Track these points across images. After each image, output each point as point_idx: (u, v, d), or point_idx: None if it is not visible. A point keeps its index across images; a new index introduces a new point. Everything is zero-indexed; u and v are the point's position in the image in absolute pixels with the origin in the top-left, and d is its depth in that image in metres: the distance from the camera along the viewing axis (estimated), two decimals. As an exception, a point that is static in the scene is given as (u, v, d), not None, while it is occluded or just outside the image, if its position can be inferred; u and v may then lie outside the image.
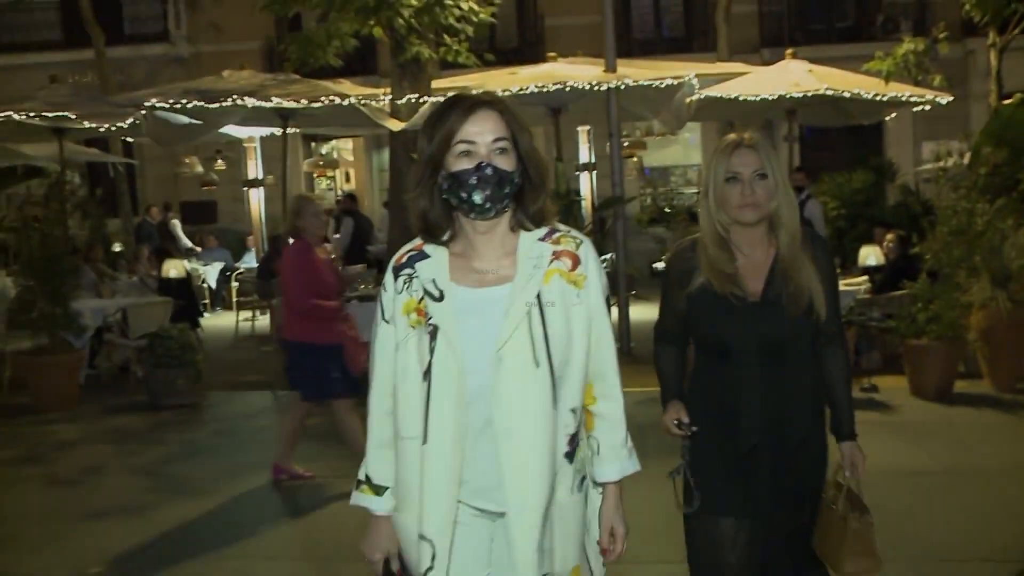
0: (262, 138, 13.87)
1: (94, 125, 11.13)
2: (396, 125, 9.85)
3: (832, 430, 2.85)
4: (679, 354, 2.91)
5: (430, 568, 2.15)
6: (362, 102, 9.87)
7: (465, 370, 2.12)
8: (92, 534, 5.23)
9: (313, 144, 21.10)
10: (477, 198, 2.10)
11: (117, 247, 15.37)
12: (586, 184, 15.07)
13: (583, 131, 15.08)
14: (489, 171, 2.10)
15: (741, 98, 10.07)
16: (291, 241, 6.14)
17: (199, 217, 19.05)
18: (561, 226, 2.27)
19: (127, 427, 7.88)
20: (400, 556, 2.27)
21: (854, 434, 2.84)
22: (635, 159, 19.24)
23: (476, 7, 9.65)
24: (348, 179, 21.48)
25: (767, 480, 2.73)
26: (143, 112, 10.22)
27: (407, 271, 2.22)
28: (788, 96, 10.09)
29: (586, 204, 13.55)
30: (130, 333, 9.62)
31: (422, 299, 2.17)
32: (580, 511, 2.28)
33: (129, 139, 15.31)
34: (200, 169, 18.83)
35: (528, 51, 18.65)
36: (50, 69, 19.70)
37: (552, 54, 11.84)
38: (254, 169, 14.10)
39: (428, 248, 2.23)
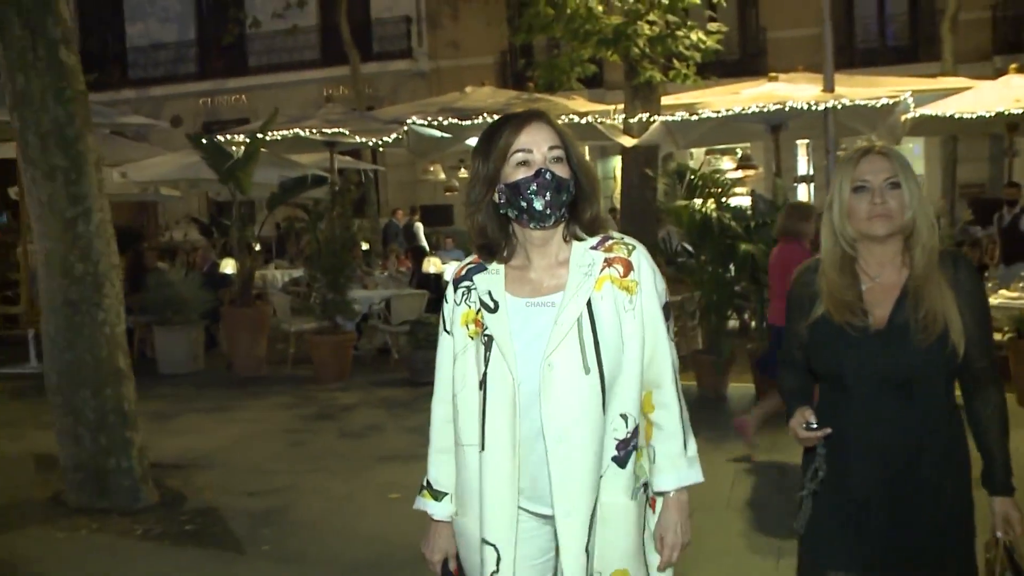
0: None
1: (364, 140, 12.82)
2: (629, 141, 10.90)
3: (983, 483, 2.50)
4: (804, 376, 2.65)
5: (496, 572, 2.20)
6: (598, 120, 10.97)
7: (518, 379, 2.15)
8: (385, 471, 6.53)
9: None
10: (538, 204, 2.14)
11: (365, 246, 17.24)
12: (804, 195, 15.59)
13: (802, 144, 15.63)
14: (548, 176, 2.14)
15: (956, 116, 10.42)
16: (784, 240, 6.77)
17: (436, 220, 20.82)
18: (615, 233, 2.28)
19: (393, 397, 9.28)
20: (457, 557, 2.39)
21: (1009, 488, 2.48)
22: (852, 171, 19.38)
23: (704, 37, 10.55)
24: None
25: (882, 532, 2.45)
26: (405, 128, 11.75)
27: (465, 283, 2.29)
28: (1007, 112, 10.37)
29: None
30: (392, 320, 11.10)
31: (479, 311, 2.23)
32: (634, 516, 2.24)
33: (380, 149, 17.15)
34: (443, 176, 20.58)
35: (750, 63, 19.20)
36: (310, 85, 22.22)
37: (773, 74, 12.52)
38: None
39: (483, 260, 2.29)
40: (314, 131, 12.31)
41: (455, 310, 2.29)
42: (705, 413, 7.64)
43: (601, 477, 2.18)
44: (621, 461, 2.20)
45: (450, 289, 2.33)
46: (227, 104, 23.63)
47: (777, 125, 12.01)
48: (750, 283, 8.43)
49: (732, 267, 8.46)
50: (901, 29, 21.08)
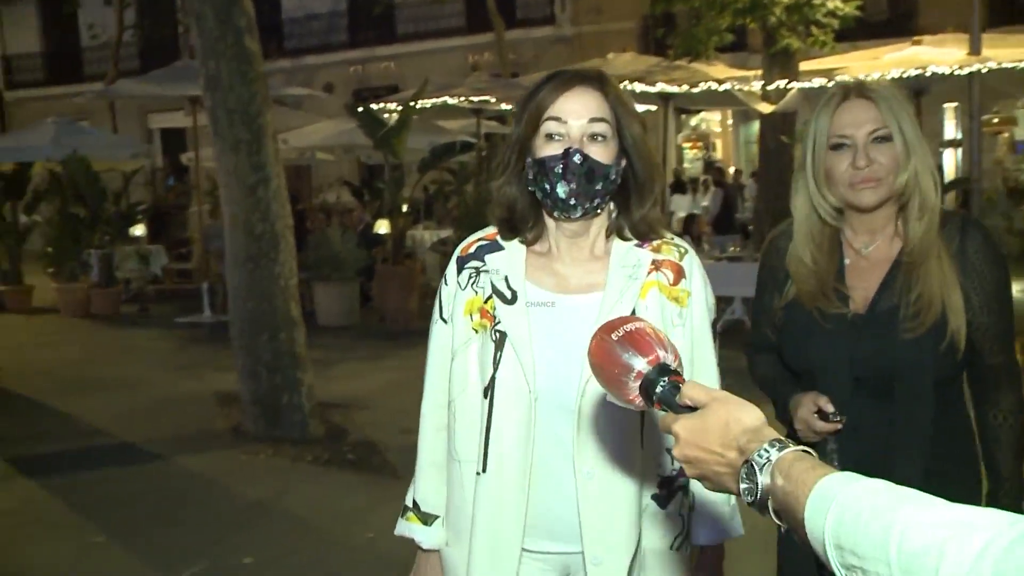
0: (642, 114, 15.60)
1: (508, 107, 13.39)
2: (766, 108, 11.10)
3: (987, 502, 2.03)
4: (781, 362, 2.18)
5: None
6: (736, 87, 11.20)
7: (536, 391, 1.75)
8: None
9: (683, 116, 22.61)
10: (561, 190, 1.75)
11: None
12: (951, 160, 15.34)
13: (949, 108, 15.35)
14: (577, 159, 1.73)
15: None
16: None
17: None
18: (665, 232, 1.88)
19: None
20: None
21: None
22: (1005, 135, 18.84)
23: (840, 4, 10.61)
24: (715, 149, 22.74)
25: None
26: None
27: (474, 263, 1.88)
28: None
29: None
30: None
31: (489, 298, 1.82)
32: (683, 570, 1.88)
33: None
34: (583, 140, 20.99)
35: (900, 24, 18.74)
36: (455, 52, 22.92)
37: (917, 37, 12.39)
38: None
39: (503, 240, 1.88)
40: (462, 99, 12.96)
41: (458, 295, 1.87)
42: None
43: (642, 517, 1.81)
44: (663, 500, 1.83)
45: (452, 268, 1.91)
46: (377, 71, 24.56)
47: (920, 90, 11.94)
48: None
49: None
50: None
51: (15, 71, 28.82)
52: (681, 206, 16.18)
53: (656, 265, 1.83)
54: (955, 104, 15.16)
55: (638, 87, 11.36)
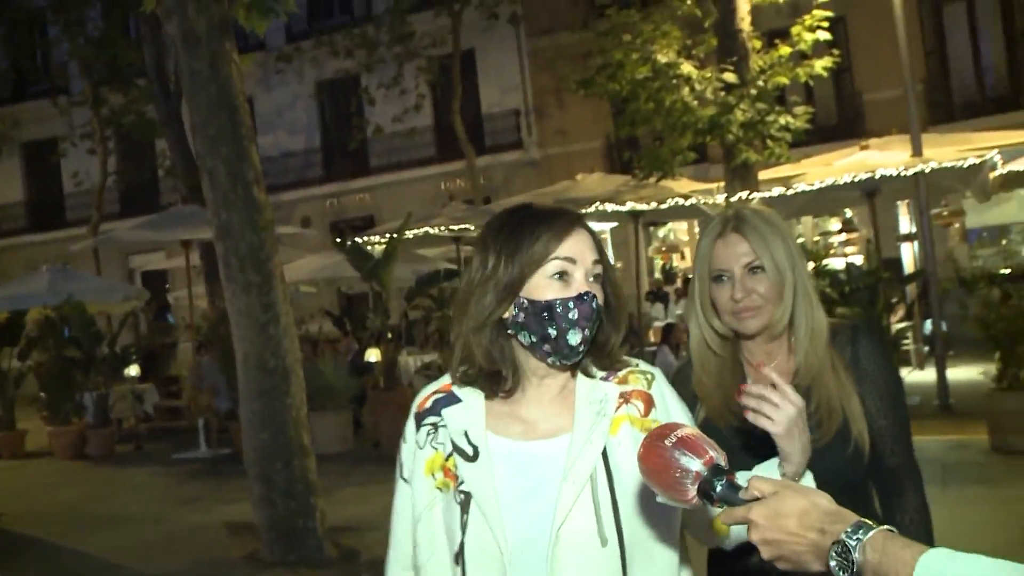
0: (612, 230, 16.36)
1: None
2: (728, 219, 11.82)
3: None
4: None
5: None
6: (701, 201, 11.93)
7: (508, 551, 1.61)
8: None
9: (651, 228, 23.43)
10: (573, 338, 1.62)
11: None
12: (908, 253, 16.11)
13: (902, 204, 16.18)
14: (594, 305, 1.64)
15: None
16: None
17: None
18: (627, 358, 1.77)
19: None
20: None
21: None
22: (956, 226, 19.73)
23: (792, 120, 11.44)
24: (683, 257, 23.46)
25: None
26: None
27: (431, 419, 1.74)
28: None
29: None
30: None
31: (450, 456, 1.69)
32: None
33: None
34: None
35: (848, 128, 19.79)
36: (428, 180, 23.77)
37: (864, 143, 13.20)
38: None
39: (459, 390, 1.75)
40: (442, 228, 13.62)
41: (417, 454, 1.73)
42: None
43: None
44: None
45: (410, 424, 1.78)
46: (352, 203, 25.35)
47: (872, 191, 12.71)
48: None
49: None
50: (999, 80, 21.14)
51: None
52: (659, 314, 16.80)
53: (624, 398, 1.71)
54: (907, 200, 15.98)
55: (609, 207, 12.04)
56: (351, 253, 11.12)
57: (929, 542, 1.96)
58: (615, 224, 15.41)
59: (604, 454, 1.64)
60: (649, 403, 1.72)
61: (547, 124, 23.87)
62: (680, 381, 2.15)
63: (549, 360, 1.67)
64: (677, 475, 1.35)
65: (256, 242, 6.58)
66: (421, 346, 16.32)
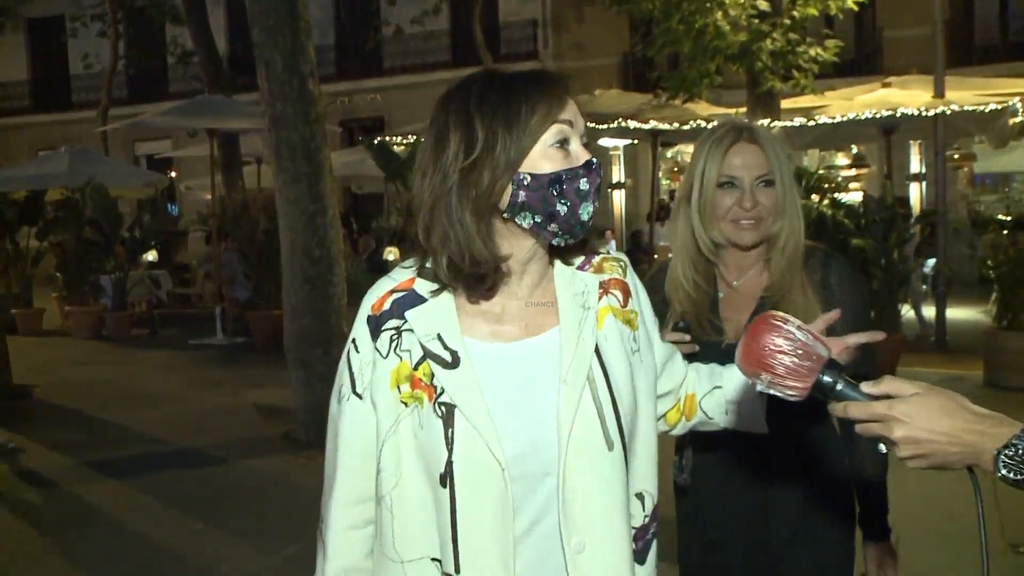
0: (624, 147, 16.50)
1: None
2: (750, 145, 12.00)
3: (859, 524, 2.18)
4: None
5: None
6: (722, 126, 12.09)
7: (508, 464, 1.43)
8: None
9: (660, 148, 23.53)
10: (585, 212, 1.44)
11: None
12: (916, 193, 16.35)
13: (915, 144, 16.35)
14: (600, 172, 1.48)
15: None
16: None
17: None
18: (597, 245, 1.61)
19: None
20: None
21: (884, 531, 2.16)
22: (965, 169, 19.96)
23: (822, 52, 11.55)
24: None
25: None
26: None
27: (393, 322, 1.49)
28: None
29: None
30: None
31: (420, 363, 1.46)
32: None
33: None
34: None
35: (866, 64, 19.80)
36: (440, 85, 23.58)
37: (886, 80, 13.33)
38: (618, 173, 16.79)
39: (422, 288, 1.51)
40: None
41: (377, 364, 1.49)
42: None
43: None
44: (640, 556, 1.58)
45: (362, 329, 1.52)
46: (363, 104, 25.27)
47: (890, 128, 12.90)
48: (863, 275, 9.41)
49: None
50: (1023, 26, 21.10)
51: (2, 99, 29.20)
52: (664, 235, 17.08)
53: (604, 288, 1.56)
54: (919, 141, 16.14)
55: (631, 124, 12.19)
56: (376, 152, 11.26)
57: (883, 466, 2.10)
58: (628, 142, 15.55)
59: (596, 350, 1.50)
60: (627, 292, 1.60)
61: (564, 37, 23.74)
62: (652, 286, 2.08)
63: (555, 241, 1.46)
64: (802, 360, 1.29)
65: (308, 134, 6.78)
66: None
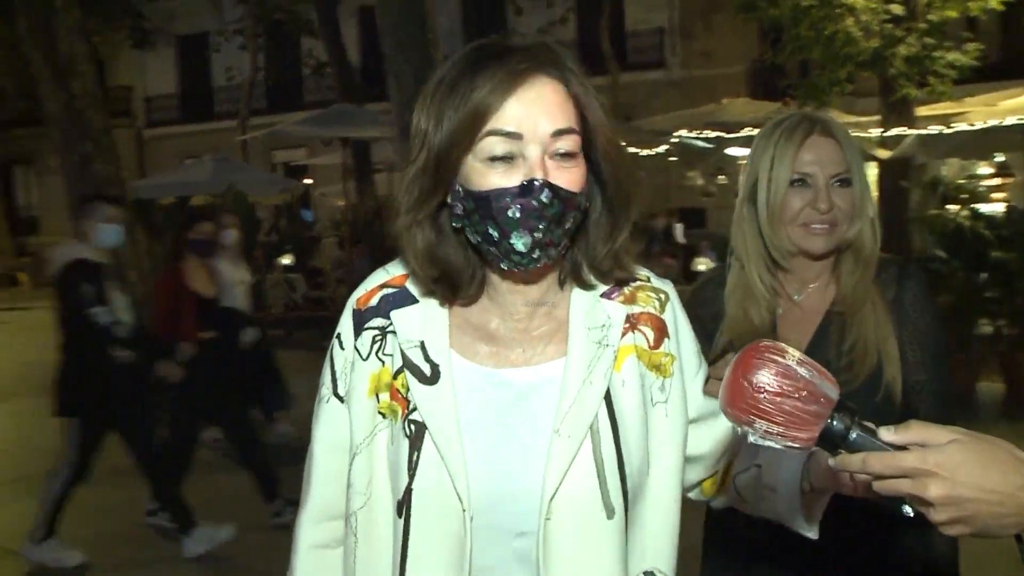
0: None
1: (637, 151, 14.21)
2: (884, 154, 11.68)
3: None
4: None
5: None
6: (853, 135, 11.80)
7: (472, 508, 1.22)
8: None
9: (789, 158, 23.00)
10: (519, 243, 1.19)
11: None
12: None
13: (1063, 152, 15.53)
14: (545, 196, 1.17)
15: None
16: None
17: (691, 223, 21.96)
18: (638, 269, 1.36)
19: None
20: None
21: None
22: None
23: (960, 57, 11.16)
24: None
25: None
26: (675, 139, 13.05)
27: (377, 321, 1.32)
28: None
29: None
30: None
31: (399, 372, 1.28)
32: None
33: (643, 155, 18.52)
34: (700, 181, 21.65)
35: (1013, 67, 18.92)
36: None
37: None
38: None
39: (415, 287, 1.32)
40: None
41: (357, 365, 1.32)
42: (955, 410, 8.36)
43: None
44: None
45: (347, 324, 1.35)
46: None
47: (1038, 136, 12.37)
48: (1002, 289, 9.01)
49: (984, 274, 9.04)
50: None
51: (153, 111, 30.84)
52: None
53: (632, 323, 1.31)
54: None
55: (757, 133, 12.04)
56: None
57: (952, 555, 1.78)
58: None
59: (607, 397, 1.25)
60: (662, 331, 1.32)
61: (692, 44, 23.60)
62: (701, 299, 1.95)
63: (502, 266, 1.24)
64: (807, 404, 1.03)
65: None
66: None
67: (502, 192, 1.18)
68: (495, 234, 1.19)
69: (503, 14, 25.05)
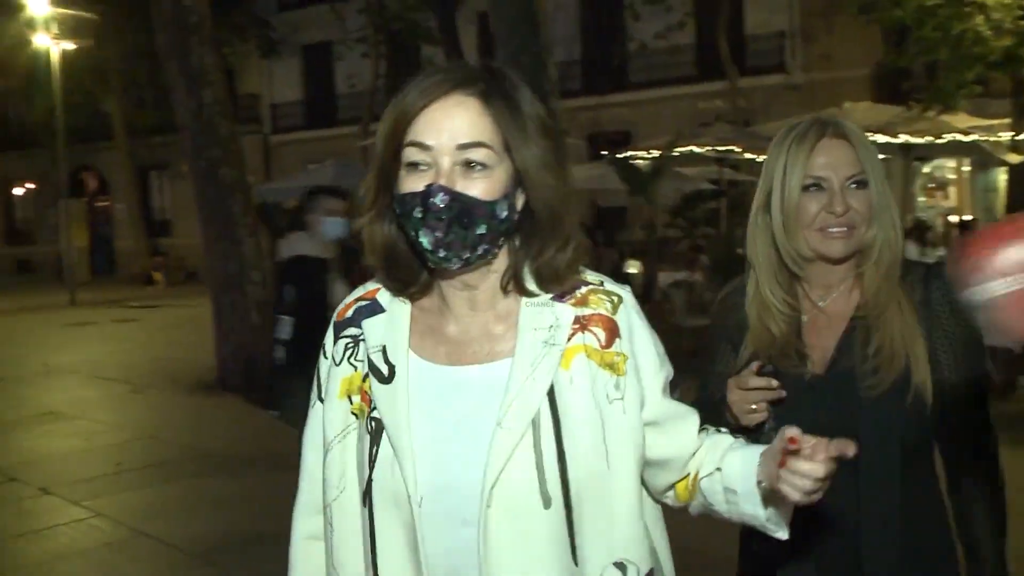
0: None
1: (751, 156, 14.04)
2: (1014, 158, 11.28)
3: None
4: None
5: None
6: (981, 139, 11.41)
7: (418, 495, 1.33)
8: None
9: (914, 163, 22.32)
10: (425, 239, 1.32)
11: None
12: None
13: None
14: (441, 200, 1.31)
15: None
16: None
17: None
18: (590, 274, 1.45)
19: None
20: None
21: None
22: None
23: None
24: (947, 197, 22.20)
25: None
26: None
27: (351, 331, 1.47)
28: None
29: None
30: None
31: (366, 376, 1.42)
32: None
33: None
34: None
35: None
36: (685, 100, 23.71)
37: None
38: (867, 189, 16.21)
39: (384, 297, 1.46)
40: (708, 148, 13.74)
41: (332, 371, 1.47)
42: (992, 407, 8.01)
43: None
44: None
45: (329, 336, 1.51)
46: (609, 117, 25.60)
47: None
48: None
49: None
50: None
51: (279, 117, 31.96)
52: (911, 254, 16.25)
53: (581, 324, 1.39)
54: None
55: (880, 138, 11.75)
56: (621, 167, 11.50)
57: (995, 524, 1.76)
58: (881, 157, 14.91)
59: (551, 392, 1.34)
60: (613, 332, 1.39)
61: (813, 48, 23.08)
62: (724, 311, 1.96)
63: (430, 263, 1.37)
64: None
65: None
66: (672, 263, 16.64)
67: (411, 195, 1.32)
68: (412, 233, 1.33)
69: (621, 20, 25.02)
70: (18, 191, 37.45)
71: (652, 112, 23.41)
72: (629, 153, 14.06)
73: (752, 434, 1.72)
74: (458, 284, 1.40)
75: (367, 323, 1.44)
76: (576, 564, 1.34)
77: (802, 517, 1.40)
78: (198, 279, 24.27)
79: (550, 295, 1.39)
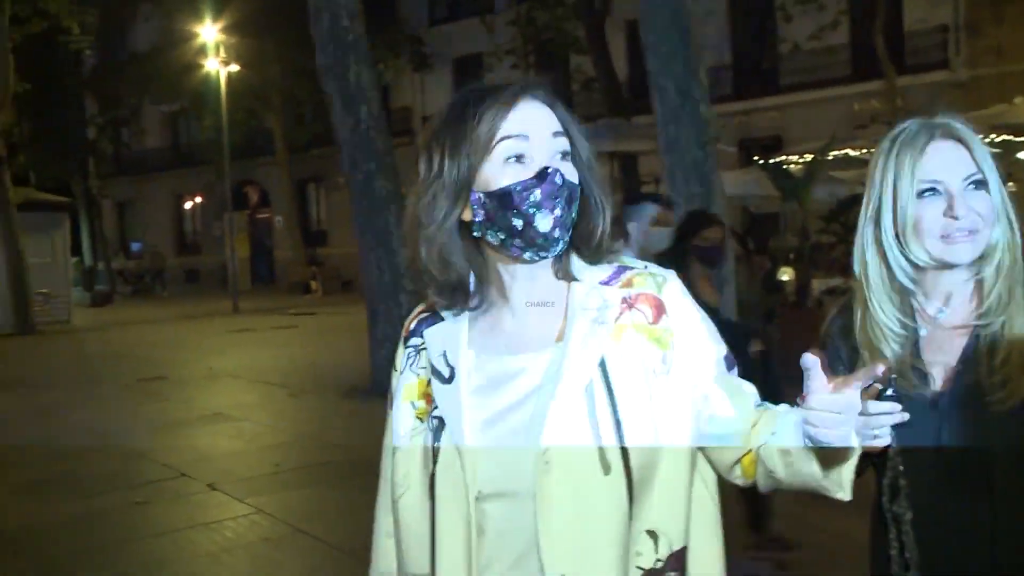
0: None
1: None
2: None
3: None
4: None
5: None
6: None
7: (474, 486, 1.40)
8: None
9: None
10: (543, 224, 1.39)
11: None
12: None
13: None
14: (559, 178, 1.40)
15: None
16: None
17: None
18: (632, 261, 1.53)
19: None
20: None
21: None
22: None
23: None
24: None
25: None
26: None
27: (414, 341, 1.58)
28: None
29: None
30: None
31: (430, 380, 1.52)
32: None
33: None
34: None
35: None
36: (839, 101, 22.97)
37: None
38: None
39: (444, 310, 1.55)
40: (863, 151, 13.26)
41: (399, 379, 1.57)
42: None
43: None
44: None
45: (400, 349, 1.61)
46: (760, 122, 25.08)
47: None
48: None
49: None
50: None
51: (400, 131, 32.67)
52: None
53: (628, 303, 1.45)
54: None
55: (1057, 135, 11.08)
56: (772, 172, 11.25)
57: None
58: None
59: (604, 366, 1.40)
60: (659, 309, 1.45)
61: (979, 41, 21.97)
62: (832, 333, 1.84)
63: (526, 256, 1.42)
64: None
65: (700, 156, 7.03)
66: (825, 269, 16.13)
67: (522, 183, 1.39)
68: (519, 224, 1.39)
69: (772, 22, 24.47)
70: (188, 205, 39.62)
71: (804, 115, 22.74)
72: (782, 158, 13.71)
73: (876, 459, 1.66)
74: (524, 274, 1.47)
75: (428, 332, 1.54)
76: (629, 529, 1.38)
77: (934, 537, 1.42)
78: (353, 288, 25.10)
79: (599, 278, 1.47)
